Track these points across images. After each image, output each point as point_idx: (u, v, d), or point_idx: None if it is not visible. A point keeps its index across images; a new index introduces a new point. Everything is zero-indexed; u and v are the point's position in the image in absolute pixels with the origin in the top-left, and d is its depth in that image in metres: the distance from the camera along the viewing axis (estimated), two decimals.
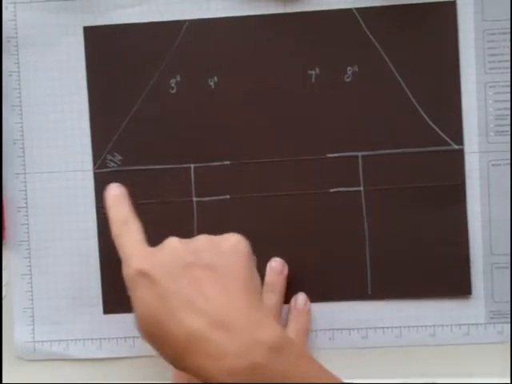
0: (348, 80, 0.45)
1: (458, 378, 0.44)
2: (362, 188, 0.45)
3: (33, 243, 0.46)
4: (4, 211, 0.46)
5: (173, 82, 0.45)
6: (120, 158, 0.45)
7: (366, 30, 0.44)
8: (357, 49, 0.44)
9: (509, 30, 0.44)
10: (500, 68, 0.44)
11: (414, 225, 0.45)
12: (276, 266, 0.44)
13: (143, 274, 0.36)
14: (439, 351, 0.45)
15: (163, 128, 0.45)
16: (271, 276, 0.44)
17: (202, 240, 0.38)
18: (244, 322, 0.34)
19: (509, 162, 0.45)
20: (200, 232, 0.45)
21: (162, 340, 0.35)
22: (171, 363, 0.36)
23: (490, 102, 0.45)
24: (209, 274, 0.36)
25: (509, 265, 0.45)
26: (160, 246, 0.38)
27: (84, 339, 0.46)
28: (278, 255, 0.44)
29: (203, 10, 0.45)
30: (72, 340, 0.46)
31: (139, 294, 0.36)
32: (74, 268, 0.46)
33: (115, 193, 0.41)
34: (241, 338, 0.34)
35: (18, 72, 0.46)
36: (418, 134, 0.44)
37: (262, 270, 0.44)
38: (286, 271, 0.44)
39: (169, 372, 0.44)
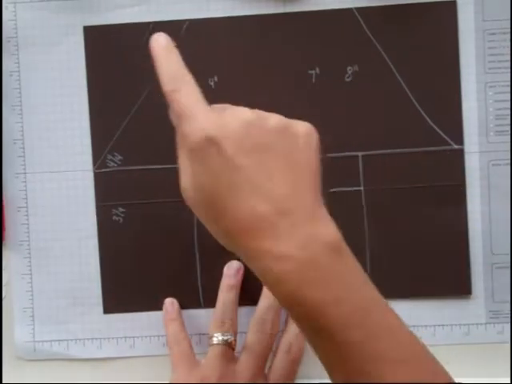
0: (348, 80, 0.45)
1: (458, 378, 0.44)
2: (362, 188, 0.45)
3: (33, 243, 0.46)
4: (4, 211, 0.46)
5: None
6: (120, 157, 0.45)
7: (366, 29, 0.44)
8: (357, 49, 0.44)
9: (509, 30, 0.44)
10: (500, 68, 0.44)
11: (413, 225, 0.45)
12: None
13: (211, 142, 0.32)
14: (439, 351, 0.45)
15: (163, 128, 0.45)
16: None
17: (276, 121, 0.34)
18: (308, 215, 0.32)
19: (509, 161, 0.44)
20: (200, 232, 0.45)
21: (216, 215, 0.33)
22: (220, 239, 0.34)
23: (490, 101, 0.45)
24: (280, 160, 0.33)
25: (509, 265, 0.45)
26: (229, 112, 0.34)
27: (84, 339, 0.46)
28: None
29: (203, 10, 0.45)
30: (72, 340, 0.46)
31: (201, 162, 0.32)
32: (73, 268, 0.46)
33: (163, 43, 0.35)
34: (303, 230, 0.32)
35: (18, 72, 0.46)
36: (418, 133, 0.44)
37: None
38: None
39: (169, 372, 0.44)
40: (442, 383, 0.33)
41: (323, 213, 0.34)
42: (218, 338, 0.42)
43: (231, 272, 0.44)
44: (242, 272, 0.44)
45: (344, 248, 0.33)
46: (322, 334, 0.32)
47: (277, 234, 0.32)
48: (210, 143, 0.32)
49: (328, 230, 0.33)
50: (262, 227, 0.32)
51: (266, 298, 0.43)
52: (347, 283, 0.32)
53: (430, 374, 0.33)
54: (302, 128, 0.34)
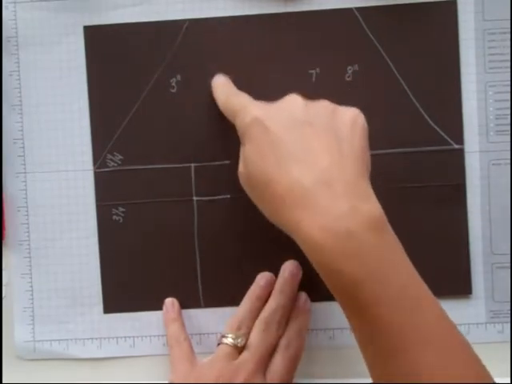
0: (349, 79, 0.45)
1: None
2: None
3: (33, 243, 0.46)
4: (4, 211, 0.46)
5: (173, 81, 0.45)
6: (120, 157, 0.45)
7: (366, 29, 0.44)
8: (357, 48, 0.44)
9: (509, 30, 0.44)
10: (500, 68, 0.44)
11: (413, 225, 0.45)
12: (292, 269, 0.43)
13: (257, 122, 0.36)
14: None
15: (163, 128, 0.45)
16: (284, 277, 0.43)
17: (325, 105, 0.37)
18: (349, 189, 0.34)
19: (509, 161, 0.45)
20: (200, 232, 0.45)
21: (264, 188, 0.35)
22: (267, 213, 0.37)
23: (491, 101, 0.45)
24: (323, 135, 0.35)
25: (509, 264, 0.45)
26: (280, 100, 0.38)
27: (84, 339, 0.46)
28: (277, 255, 0.44)
29: (203, 10, 0.45)
30: (72, 340, 0.46)
31: (252, 140, 0.36)
32: (74, 268, 0.46)
33: (221, 80, 0.43)
34: (343, 203, 0.33)
35: (18, 72, 0.46)
36: (418, 133, 0.44)
37: (262, 271, 0.44)
38: (299, 276, 0.44)
39: (169, 372, 0.44)
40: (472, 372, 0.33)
41: (366, 189, 0.35)
42: (228, 339, 0.42)
43: (263, 283, 0.44)
44: (273, 284, 0.44)
45: (385, 225, 0.34)
46: (356, 307, 0.33)
47: (317, 205, 0.33)
48: (256, 123, 0.36)
49: (369, 205, 0.34)
50: (304, 197, 0.33)
51: (275, 298, 0.43)
52: (384, 259, 0.33)
53: (461, 361, 0.33)
54: (349, 111, 0.37)
